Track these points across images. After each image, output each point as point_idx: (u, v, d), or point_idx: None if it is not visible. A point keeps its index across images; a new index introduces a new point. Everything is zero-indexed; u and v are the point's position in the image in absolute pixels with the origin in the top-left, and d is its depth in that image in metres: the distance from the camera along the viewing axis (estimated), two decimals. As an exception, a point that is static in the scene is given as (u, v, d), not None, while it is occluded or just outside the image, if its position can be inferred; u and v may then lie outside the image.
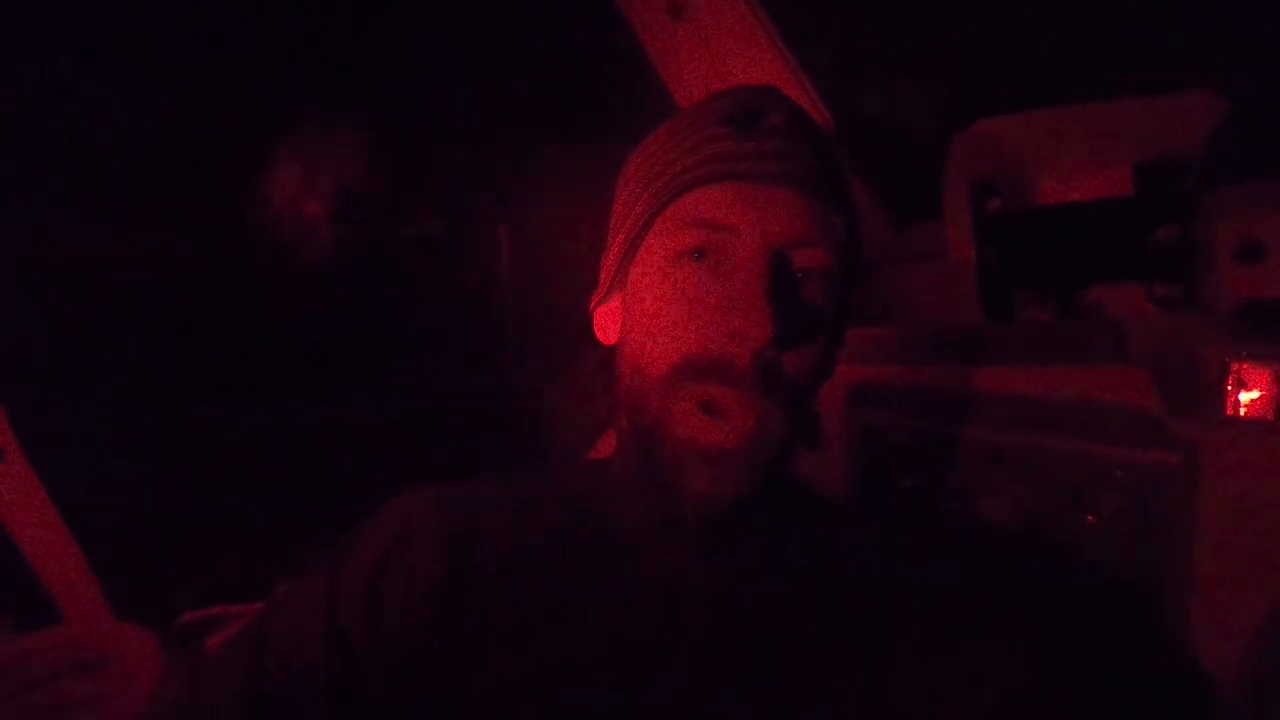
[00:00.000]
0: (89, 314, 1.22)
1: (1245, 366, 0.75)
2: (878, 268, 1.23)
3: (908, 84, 1.22)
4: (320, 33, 1.51)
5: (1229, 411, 0.75)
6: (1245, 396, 0.75)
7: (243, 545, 1.17)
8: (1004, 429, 0.87)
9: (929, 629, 0.54)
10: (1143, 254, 0.96)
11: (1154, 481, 0.75)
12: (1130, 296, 0.99)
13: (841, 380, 1.06)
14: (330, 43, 1.52)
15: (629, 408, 0.56)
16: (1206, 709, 0.70)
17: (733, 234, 0.51)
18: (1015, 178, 1.04)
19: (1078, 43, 1.08)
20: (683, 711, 0.50)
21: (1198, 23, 0.97)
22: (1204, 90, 0.90)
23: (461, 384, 1.69)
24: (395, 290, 1.64)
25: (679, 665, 0.51)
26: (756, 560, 0.57)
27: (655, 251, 0.54)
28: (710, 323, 0.51)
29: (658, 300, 0.53)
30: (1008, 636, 0.55)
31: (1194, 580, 0.72)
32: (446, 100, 1.63)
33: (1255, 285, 0.89)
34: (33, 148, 1.16)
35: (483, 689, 0.51)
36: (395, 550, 0.57)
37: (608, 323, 0.61)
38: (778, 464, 0.55)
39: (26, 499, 0.88)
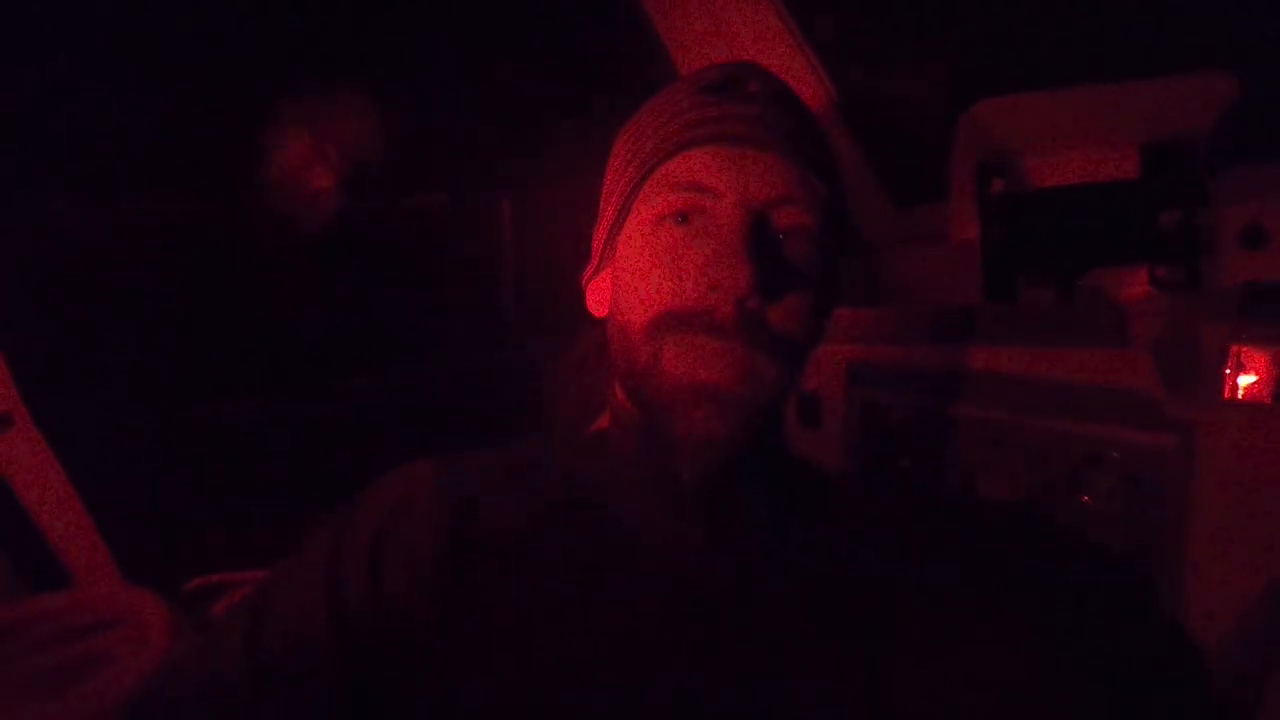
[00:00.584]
0: (93, 284, 1.23)
1: (1245, 350, 0.75)
2: (880, 250, 1.23)
3: (912, 64, 1.21)
4: (322, 7, 1.50)
5: (1227, 395, 0.75)
6: (1244, 380, 0.75)
7: (247, 514, 1.18)
8: (1003, 409, 0.87)
9: (929, 627, 0.54)
10: (1147, 237, 0.95)
11: (1150, 463, 0.75)
12: (1133, 280, 0.98)
13: (841, 359, 1.06)
14: (332, 17, 1.50)
15: (621, 370, 0.56)
16: (1204, 698, 0.71)
17: (713, 195, 0.52)
18: (1019, 159, 1.04)
19: (1085, 22, 1.07)
20: (681, 705, 0.50)
21: (1207, 2, 0.96)
22: (1212, 71, 0.89)
23: (462, 359, 1.69)
24: (396, 264, 1.64)
25: (677, 659, 0.51)
26: (757, 555, 0.57)
27: (640, 218, 0.55)
28: (691, 278, 0.52)
29: (641, 262, 0.54)
30: (1007, 635, 0.55)
31: (1190, 561, 0.72)
32: (448, 74, 1.62)
33: (1258, 270, 0.89)
34: (31, 132, 1.17)
35: (481, 666, 0.51)
36: (395, 522, 0.57)
37: (600, 296, 0.62)
38: (771, 414, 0.55)
39: (35, 464, 0.89)
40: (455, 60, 1.61)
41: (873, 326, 1.06)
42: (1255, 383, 0.74)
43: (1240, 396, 0.75)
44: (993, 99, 1.01)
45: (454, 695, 0.51)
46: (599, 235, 0.61)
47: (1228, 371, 0.76)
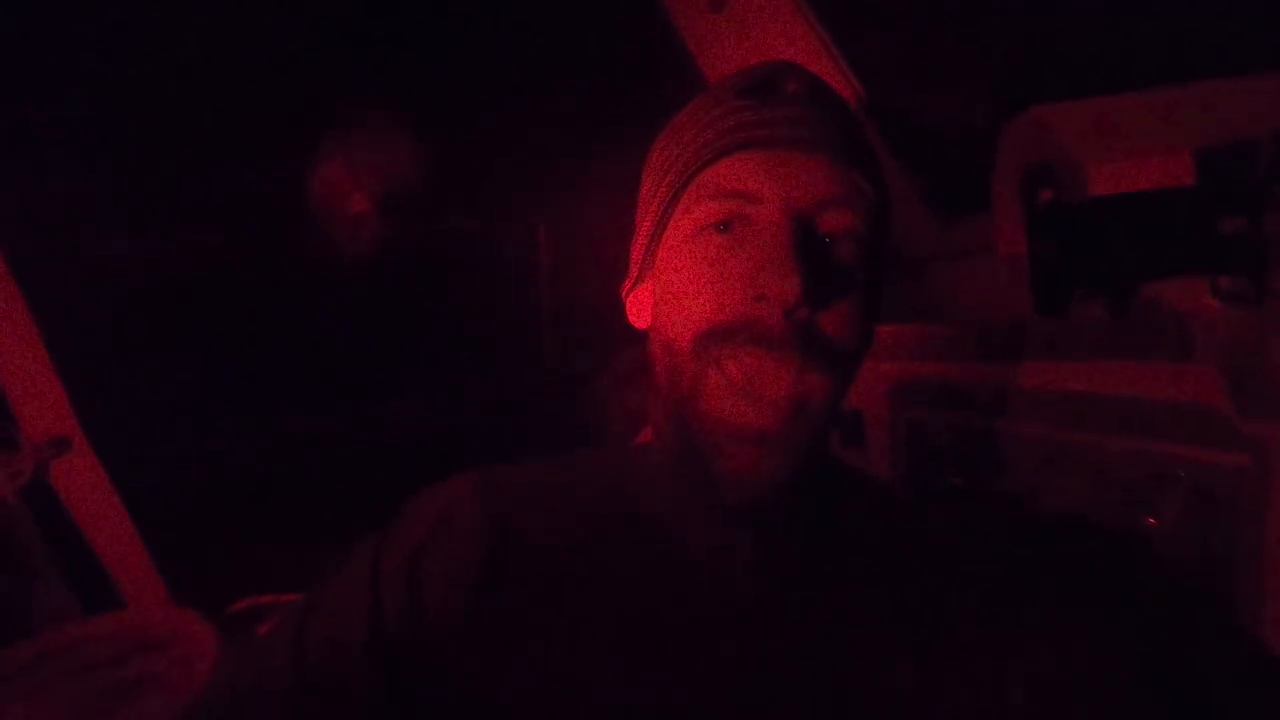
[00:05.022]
0: (148, 313, 1.27)
1: (1321, 362, 0.71)
2: (924, 265, 1.20)
3: (955, 72, 1.19)
4: (365, 36, 1.55)
5: (1304, 410, 0.71)
6: (1321, 393, 0.71)
7: (291, 536, 1.20)
8: (1058, 426, 0.84)
9: (978, 611, 0.53)
10: (1207, 247, 0.91)
11: (1223, 483, 0.72)
12: (1194, 291, 0.94)
13: (886, 377, 1.04)
14: (375, 46, 1.55)
15: (665, 388, 0.56)
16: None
17: (756, 202, 0.50)
18: (1068, 168, 1.01)
19: (1132, 27, 1.04)
20: (725, 692, 0.50)
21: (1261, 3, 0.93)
22: (1270, 74, 0.86)
23: (501, 379, 1.71)
24: (435, 288, 1.67)
25: (724, 668, 0.51)
26: (800, 540, 0.56)
27: (680, 228, 0.54)
28: (736, 288, 0.50)
29: (684, 274, 0.53)
30: (1060, 622, 0.53)
31: (1265, 587, 0.68)
32: (485, 102, 1.66)
33: (1331, 278, 0.85)
34: (79, 155, 1.22)
35: (522, 671, 0.51)
36: (435, 536, 0.57)
37: (640, 307, 0.61)
38: (818, 442, 0.53)
39: (91, 487, 0.92)
40: (493, 89, 1.65)
41: (918, 343, 1.04)
42: (1333, 397, 0.70)
43: (1318, 412, 0.71)
44: (1038, 107, 0.99)
45: (494, 678, 0.51)
46: (637, 247, 0.60)
47: (1304, 386, 0.72)
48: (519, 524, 0.57)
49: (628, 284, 0.62)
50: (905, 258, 1.22)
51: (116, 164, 1.25)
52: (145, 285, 1.28)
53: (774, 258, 0.49)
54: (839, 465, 0.63)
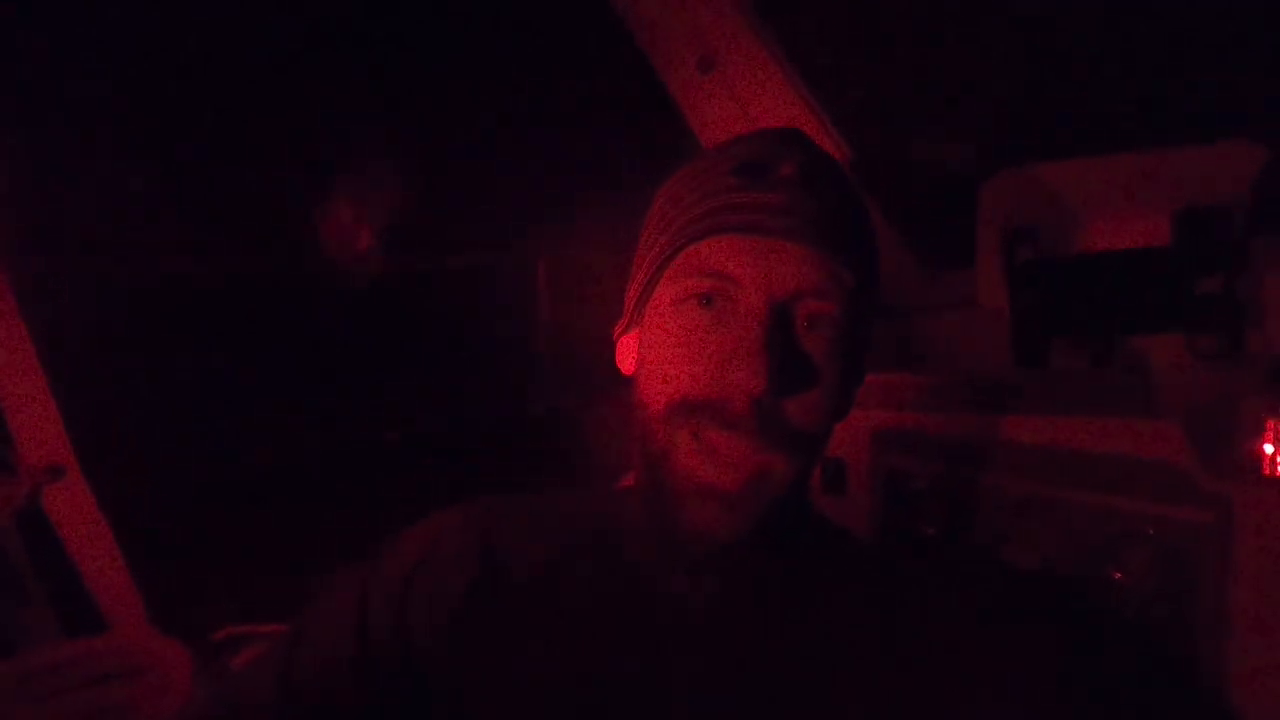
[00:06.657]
0: (145, 340, 1.31)
1: (1282, 424, 0.72)
2: (908, 315, 1.22)
3: (940, 129, 1.23)
4: (371, 76, 1.60)
5: (1266, 471, 0.72)
6: (1284, 454, 0.72)
7: (276, 566, 1.21)
8: (1030, 479, 0.85)
9: (941, 668, 0.54)
10: (1182, 305, 0.93)
11: (1186, 539, 0.72)
12: (1170, 348, 0.96)
13: (866, 426, 1.05)
14: (381, 86, 1.61)
15: (640, 439, 0.58)
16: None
17: (736, 285, 0.52)
18: (1049, 226, 1.04)
19: (1113, 90, 1.08)
20: None
21: (1236, 72, 0.96)
22: (1238, 141, 0.89)
23: (497, 412, 1.73)
24: (437, 321, 1.71)
25: (690, 704, 0.53)
26: (764, 590, 0.58)
27: (665, 294, 0.56)
28: (709, 368, 0.52)
29: (663, 340, 0.55)
30: (1029, 690, 0.54)
31: (1228, 642, 0.69)
32: (490, 144, 1.71)
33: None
34: (100, 189, 1.27)
35: (501, 692, 0.53)
36: (423, 565, 0.59)
37: (627, 353, 0.63)
38: (784, 505, 0.55)
39: (82, 515, 0.94)
40: (497, 132, 1.70)
41: (900, 393, 1.05)
42: (1296, 458, 0.71)
43: (1278, 472, 0.72)
44: (1014, 169, 1.02)
45: (474, 707, 0.53)
46: (631, 294, 0.62)
47: (1267, 445, 0.73)
48: (503, 555, 0.60)
49: (620, 326, 0.64)
50: (889, 306, 1.24)
51: (115, 180, 1.29)
52: (143, 313, 1.31)
53: (745, 346, 0.50)
54: (818, 519, 0.64)
